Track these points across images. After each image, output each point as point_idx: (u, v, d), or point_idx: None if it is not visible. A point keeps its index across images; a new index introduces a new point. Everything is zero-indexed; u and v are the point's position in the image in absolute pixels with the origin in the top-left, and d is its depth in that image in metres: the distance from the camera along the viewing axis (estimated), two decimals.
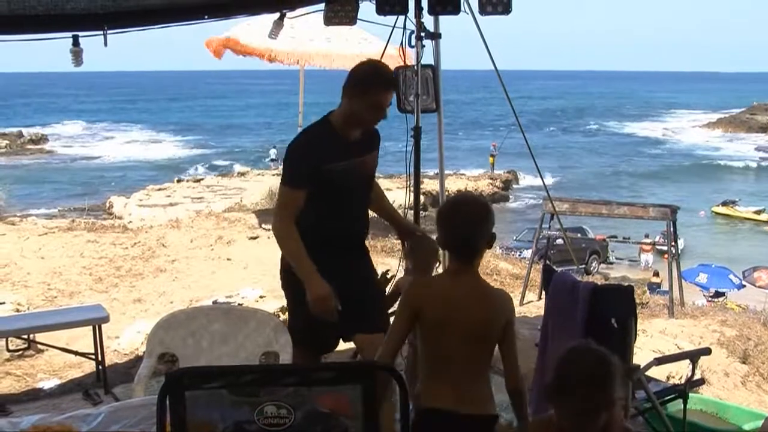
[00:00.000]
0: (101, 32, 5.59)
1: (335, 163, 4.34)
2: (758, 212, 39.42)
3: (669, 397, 5.19)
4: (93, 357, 6.86)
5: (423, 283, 3.69)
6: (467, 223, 3.34)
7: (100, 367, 6.80)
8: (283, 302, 8.42)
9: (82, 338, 7.44)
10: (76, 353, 7.19)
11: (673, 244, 11.87)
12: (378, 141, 4.74)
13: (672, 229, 11.46)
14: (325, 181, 4.33)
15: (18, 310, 8.41)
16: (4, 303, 8.53)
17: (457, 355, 3.26)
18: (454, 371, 3.28)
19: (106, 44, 5.63)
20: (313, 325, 4.40)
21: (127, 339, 7.89)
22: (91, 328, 6.83)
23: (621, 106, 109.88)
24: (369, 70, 4.43)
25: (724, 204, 40.59)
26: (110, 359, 7.28)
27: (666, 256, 25.94)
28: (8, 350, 7.45)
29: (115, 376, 6.87)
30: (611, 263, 29.31)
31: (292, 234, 4.35)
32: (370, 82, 4.34)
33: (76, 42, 5.74)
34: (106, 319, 6.86)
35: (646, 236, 25.64)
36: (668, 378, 7.10)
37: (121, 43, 6.33)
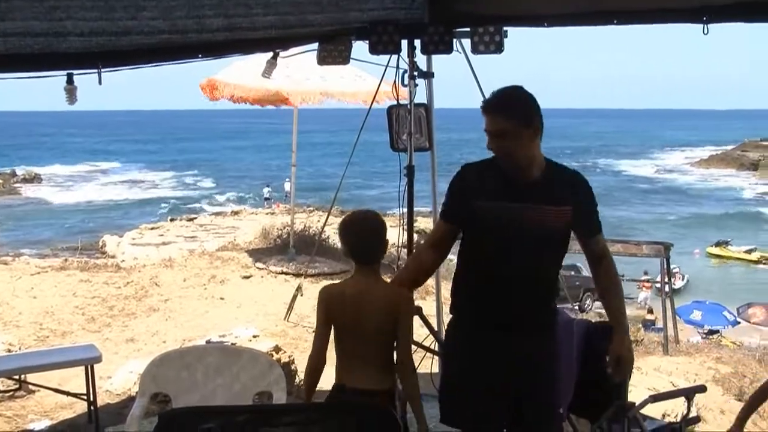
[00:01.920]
0: (95, 70, 5.61)
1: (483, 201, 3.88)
2: (749, 251, 40.16)
3: None
4: (85, 397, 6.80)
5: (332, 289, 4.00)
6: (368, 233, 3.90)
7: (92, 407, 6.74)
8: (275, 341, 8.41)
9: (74, 378, 7.38)
10: (67, 394, 7.13)
11: (666, 281, 11.87)
12: (569, 194, 3.87)
13: (666, 266, 11.47)
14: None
15: (9, 350, 8.35)
16: None
17: (364, 350, 3.79)
18: (361, 364, 3.80)
19: (100, 82, 5.65)
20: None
21: (119, 379, 7.83)
22: (83, 368, 6.78)
23: (616, 144, 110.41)
24: None
25: (718, 244, 41.05)
26: (102, 400, 7.22)
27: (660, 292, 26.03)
28: None
29: (107, 417, 6.80)
30: None
31: None
32: None
33: (70, 80, 5.76)
34: (98, 359, 6.81)
35: (645, 273, 25.64)
36: (664, 416, 7.05)
37: (116, 81, 6.36)
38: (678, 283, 29.05)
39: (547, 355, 3.92)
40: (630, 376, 4.40)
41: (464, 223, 3.96)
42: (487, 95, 3.94)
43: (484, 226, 3.86)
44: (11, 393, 7.46)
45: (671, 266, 14.63)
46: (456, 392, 4.03)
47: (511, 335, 3.84)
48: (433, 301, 7.39)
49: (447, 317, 7.25)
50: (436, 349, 6.44)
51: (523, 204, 3.77)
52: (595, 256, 4.00)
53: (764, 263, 38.66)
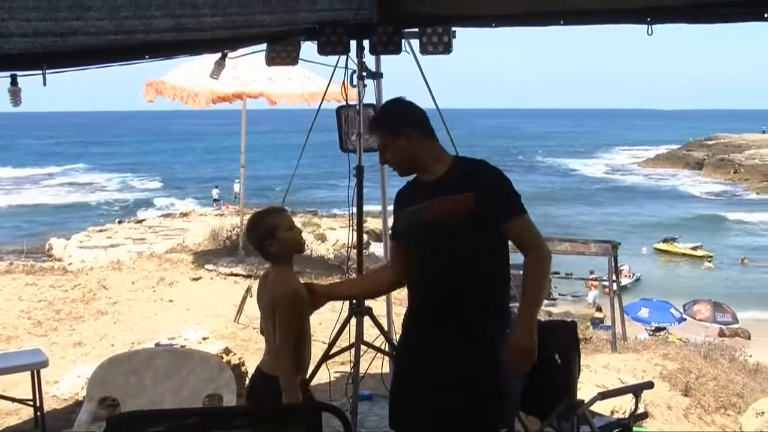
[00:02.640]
0: (40, 71, 5.54)
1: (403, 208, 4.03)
2: (695, 248, 40.86)
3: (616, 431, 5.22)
4: (31, 403, 6.72)
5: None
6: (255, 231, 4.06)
7: (39, 413, 6.67)
8: (225, 343, 8.37)
9: (20, 384, 7.29)
10: (13, 400, 7.04)
11: (614, 279, 12.01)
12: (470, 181, 3.81)
13: (613, 264, 11.60)
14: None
15: None
16: None
17: (266, 335, 4.00)
18: (267, 348, 4.02)
19: (45, 84, 5.57)
20: None
21: (67, 384, 7.74)
22: (29, 373, 6.69)
23: (565, 144, 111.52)
24: None
25: (665, 241, 41.64)
26: (49, 405, 7.13)
27: (607, 290, 26.31)
28: None
29: (54, 423, 6.73)
30: (554, 299, 29.49)
31: None
32: None
33: (14, 81, 5.68)
34: (45, 364, 6.73)
35: (591, 272, 25.89)
36: (612, 412, 7.14)
37: (61, 82, 6.28)
38: (625, 281, 29.39)
39: (478, 364, 3.80)
40: (577, 375, 4.43)
41: (400, 237, 4.06)
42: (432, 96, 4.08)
43: (401, 234, 4.02)
44: None
45: (620, 264, 14.82)
46: (395, 397, 4.05)
47: (439, 342, 3.81)
48: (384, 302, 7.40)
49: (397, 318, 7.29)
50: (386, 349, 6.47)
51: (424, 202, 3.84)
52: (517, 243, 3.87)
53: (709, 260, 39.27)
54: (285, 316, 3.84)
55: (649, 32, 5.49)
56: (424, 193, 3.85)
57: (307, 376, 4.15)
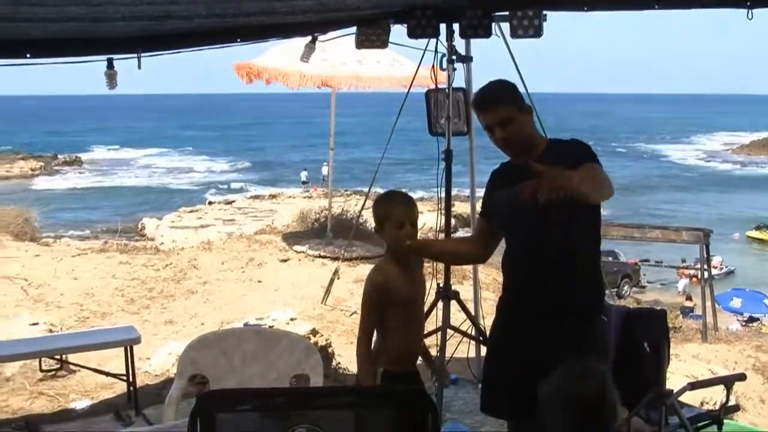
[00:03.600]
0: (135, 55, 5.65)
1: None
2: None
3: (703, 423, 5.12)
4: (124, 378, 6.88)
5: None
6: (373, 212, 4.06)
7: (132, 388, 6.82)
8: (313, 324, 8.45)
9: (114, 359, 7.47)
10: (107, 374, 7.22)
11: (706, 267, 11.77)
12: (569, 160, 3.66)
13: (705, 252, 11.36)
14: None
15: (51, 331, 8.46)
16: (37, 324, 8.58)
17: None
18: None
19: (140, 67, 5.69)
20: None
21: (158, 360, 7.90)
22: (122, 349, 6.85)
23: (657, 129, 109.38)
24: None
25: (758, 228, 40.25)
26: (141, 380, 7.30)
27: (695, 279, 25.78)
28: (41, 370, 7.50)
29: (146, 398, 6.87)
30: (643, 287, 29.07)
31: None
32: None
33: (110, 65, 5.80)
34: (137, 341, 6.88)
35: (683, 261, 25.41)
36: (702, 404, 7.01)
37: (155, 66, 6.39)
38: (716, 272, 28.71)
39: (578, 346, 3.73)
40: (667, 365, 4.35)
41: (492, 216, 4.03)
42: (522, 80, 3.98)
43: (499, 216, 3.96)
44: (53, 373, 7.56)
45: (712, 255, 14.49)
46: (489, 381, 4.05)
47: (538, 324, 3.79)
48: (470, 286, 7.38)
49: (484, 302, 7.26)
50: (473, 333, 6.46)
51: (523, 184, 3.72)
52: None
53: None
54: (362, 307, 3.93)
55: (749, 17, 5.34)
56: (523, 174, 3.72)
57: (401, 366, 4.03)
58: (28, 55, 5.47)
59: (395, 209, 3.94)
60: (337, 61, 10.74)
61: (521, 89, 4.03)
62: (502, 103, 3.83)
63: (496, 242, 4.14)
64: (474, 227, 4.22)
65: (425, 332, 4.66)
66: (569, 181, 3.43)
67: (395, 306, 3.90)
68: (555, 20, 6.25)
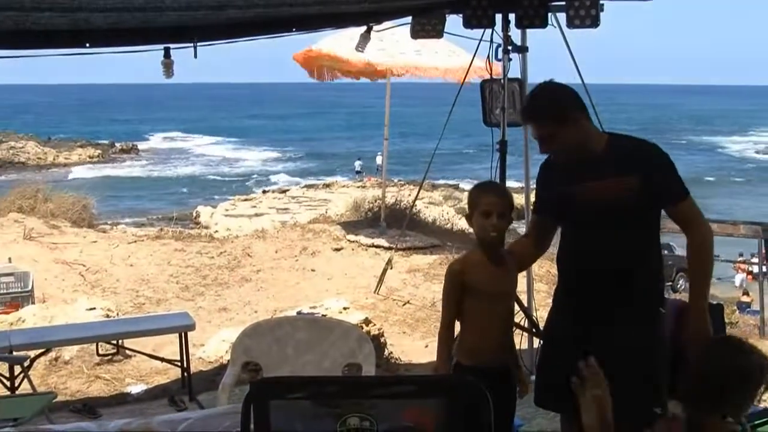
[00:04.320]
0: (191, 44, 5.69)
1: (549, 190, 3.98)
2: None
3: (761, 421, 5.04)
4: (179, 364, 6.97)
5: None
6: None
7: (186, 374, 6.90)
8: (366, 314, 8.47)
9: (168, 345, 7.56)
10: (162, 360, 7.32)
11: (765, 262, 11.59)
12: (634, 163, 3.71)
13: (764, 247, 11.19)
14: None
15: (108, 316, 8.57)
16: (94, 309, 8.71)
17: None
18: None
19: (195, 56, 5.73)
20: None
21: (212, 347, 7.98)
22: (177, 335, 6.94)
23: (713, 120, 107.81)
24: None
25: None
26: (195, 366, 7.37)
27: (750, 276, 25.35)
28: (98, 354, 7.62)
29: (199, 384, 6.96)
30: None
31: None
32: None
33: (167, 54, 5.86)
34: (192, 327, 6.96)
35: (740, 255, 25.01)
36: (759, 401, 6.91)
37: (211, 55, 6.43)
38: None
39: (641, 349, 3.76)
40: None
41: (548, 214, 4.00)
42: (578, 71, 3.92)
43: (555, 213, 3.92)
44: (110, 357, 7.68)
45: None
46: (544, 375, 4.02)
47: (591, 323, 3.77)
48: (524, 278, 7.32)
49: (537, 293, 7.22)
50: (526, 325, 6.42)
51: (585, 183, 3.71)
52: (681, 223, 3.82)
53: None
54: (442, 295, 3.90)
55: None
56: (583, 172, 3.72)
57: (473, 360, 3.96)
58: (87, 45, 5.55)
59: (484, 198, 3.81)
60: (396, 51, 10.75)
61: (577, 80, 4.01)
62: (537, 119, 3.77)
63: (550, 239, 4.12)
64: (528, 220, 4.17)
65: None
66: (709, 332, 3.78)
67: (474, 298, 3.80)
68: (612, 9, 6.17)
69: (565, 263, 3.95)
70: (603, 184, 3.68)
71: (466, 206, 3.94)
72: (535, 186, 4.12)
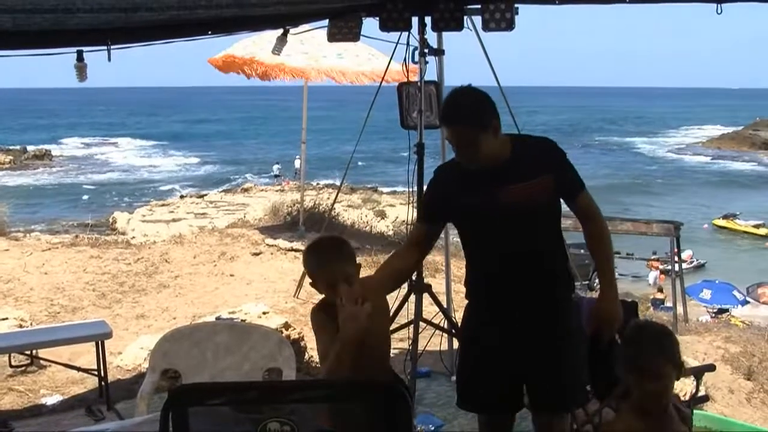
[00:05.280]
0: (105, 47, 5.61)
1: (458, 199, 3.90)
2: (757, 226, 39.15)
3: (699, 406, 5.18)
4: (96, 373, 6.85)
5: None
6: None
7: (103, 383, 6.79)
8: (285, 318, 8.44)
9: (85, 354, 7.43)
10: (78, 369, 7.19)
11: (676, 260, 11.85)
12: (544, 163, 3.85)
13: (676, 245, 11.43)
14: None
15: (21, 326, 8.40)
16: (7, 318, 8.52)
17: None
18: None
19: (110, 59, 5.65)
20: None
21: (130, 355, 7.88)
22: (94, 344, 6.82)
23: (627, 122, 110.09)
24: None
25: (725, 217, 40.44)
26: (113, 375, 7.27)
27: (662, 275, 25.97)
28: (11, 366, 7.45)
29: (117, 392, 6.85)
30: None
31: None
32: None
33: (80, 57, 5.76)
34: (109, 335, 6.86)
35: (654, 253, 25.58)
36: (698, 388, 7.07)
37: (126, 58, 6.34)
38: (686, 266, 28.87)
39: (560, 335, 3.91)
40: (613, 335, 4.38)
41: (445, 222, 4.08)
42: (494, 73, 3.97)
43: (468, 221, 3.93)
44: (23, 368, 7.51)
45: (683, 249, 14.57)
46: (471, 378, 4.05)
47: (521, 320, 3.85)
48: (443, 279, 7.39)
49: (456, 294, 7.28)
50: (445, 326, 6.48)
51: (500, 188, 3.76)
52: (582, 214, 3.97)
53: None
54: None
55: (719, 11, 5.38)
56: (496, 176, 3.77)
57: None
58: None
59: (323, 272, 3.51)
60: (318, 54, 10.76)
61: (492, 82, 4.05)
62: (464, 124, 3.74)
63: (432, 245, 4.20)
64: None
65: (395, 327, 4.63)
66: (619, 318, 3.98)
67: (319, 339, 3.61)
68: (526, 12, 6.25)
69: (476, 261, 4.00)
70: (524, 186, 3.75)
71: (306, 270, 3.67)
72: (426, 192, 4.14)
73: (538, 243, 3.85)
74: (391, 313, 4.67)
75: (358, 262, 3.59)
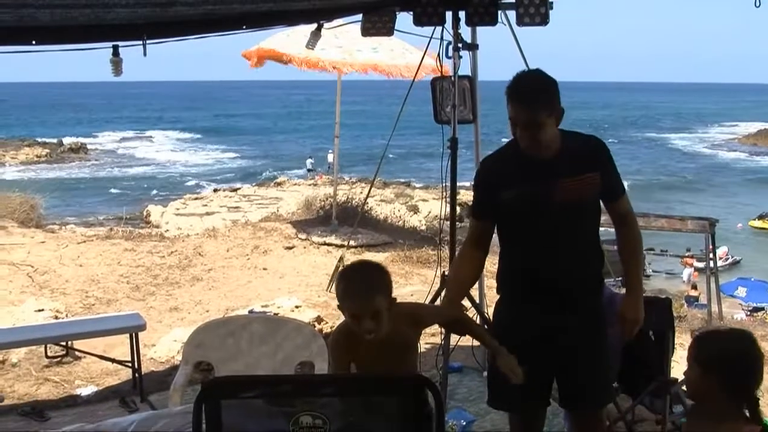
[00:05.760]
0: (141, 42, 5.63)
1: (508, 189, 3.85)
2: None
3: None
4: (130, 365, 6.91)
5: None
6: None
7: (137, 375, 6.84)
8: (318, 312, 8.46)
9: (119, 346, 7.49)
10: (113, 361, 7.25)
11: (711, 257, 11.75)
12: (592, 161, 3.85)
13: (711, 242, 11.34)
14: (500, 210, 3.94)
15: (57, 317, 8.48)
16: (43, 310, 8.61)
17: None
18: None
19: (145, 54, 5.67)
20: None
21: (163, 347, 7.93)
22: (128, 335, 6.87)
23: (663, 118, 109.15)
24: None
25: (761, 217, 39.96)
26: (147, 367, 7.31)
27: (697, 272, 25.72)
28: (47, 356, 7.52)
29: (151, 384, 6.90)
30: (648, 276, 29.00)
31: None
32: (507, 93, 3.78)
33: (116, 52, 5.79)
34: (142, 327, 6.90)
35: (688, 250, 25.36)
36: None
37: (161, 53, 6.39)
38: (721, 263, 28.58)
39: (594, 325, 3.92)
40: (671, 353, 4.37)
41: (496, 215, 3.95)
42: (528, 68, 3.93)
43: (515, 212, 3.86)
44: (59, 359, 7.59)
45: (717, 246, 14.44)
46: (501, 381, 3.93)
47: (557, 314, 3.84)
48: None
49: (488, 290, 7.25)
50: (478, 321, 6.46)
51: (549, 182, 3.74)
52: (619, 217, 3.97)
53: None
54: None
55: (757, 4, 5.32)
56: (544, 171, 3.76)
57: None
58: (33, 42, 5.47)
59: (347, 304, 3.42)
60: (353, 48, 10.78)
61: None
62: (533, 103, 3.69)
63: (490, 241, 4.11)
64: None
65: None
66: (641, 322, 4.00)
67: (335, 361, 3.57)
68: (561, 7, 6.20)
69: (521, 261, 3.95)
70: (573, 181, 3.75)
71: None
72: (474, 185, 4.03)
73: (579, 238, 3.85)
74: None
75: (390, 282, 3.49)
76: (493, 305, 4.21)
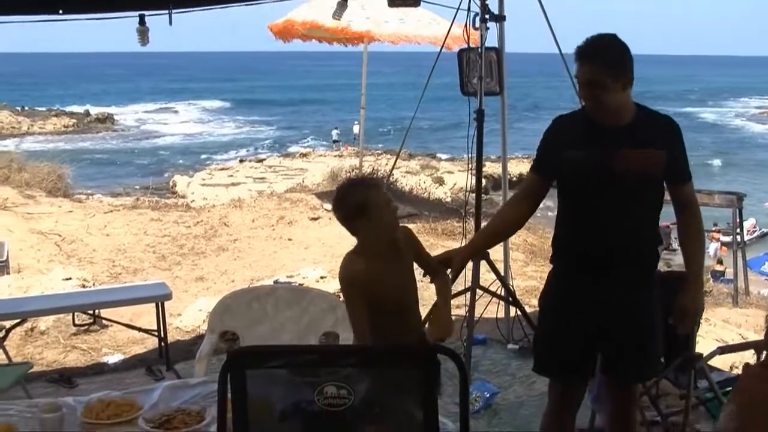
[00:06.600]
0: (167, 11, 5.64)
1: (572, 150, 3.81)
2: None
3: (732, 388, 5.10)
4: (156, 333, 6.96)
5: None
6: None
7: (163, 343, 6.90)
8: None
9: (145, 315, 7.55)
10: (139, 329, 7.31)
11: (738, 231, 11.67)
12: (661, 139, 3.78)
13: (738, 217, 11.25)
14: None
15: (84, 286, 8.55)
16: (70, 279, 8.69)
17: None
18: None
19: (171, 23, 5.68)
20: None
21: (189, 316, 7.98)
22: (154, 305, 6.92)
23: (692, 91, 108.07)
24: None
25: None
26: (172, 336, 7.38)
27: (723, 247, 25.53)
28: (74, 324, 7.61)
29: (177, 353, 6.95)
30: (674, 250, 28.77)
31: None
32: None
33: (142, 21, 5.80)
34: (168, 297, 6.95)
35: (715, 224, 25.16)
36: (731, 368, 6.97)
37: (186, 23, 6.38)
38: (748, 236, 28.32)
39: (647, 301, 3.88)
40: (696, 328, 4.35)
41: (556, 174, 3.89)
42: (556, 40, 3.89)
43: (575, 175, 3.81)
44: (86, 327, 7.67)
45: (745, 218, 14.33)
46: (552, 341, 3.99)
47: (611, 282, 3.80)
48: (500, 247, 7.33)
49: (513, 263, 7.24)
50: (502, 294, 6.46)
51: (613, 150, 3.68)
52: (682, 203, 3.92)
53: None
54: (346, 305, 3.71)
55: None
56: (611, 139, 3.71)
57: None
58: (60, 12, 5.48)
59: (375, 193, 3.74)
60: (380, 19, 10.76)
61: (554, 49, 3.96)
62: (598, 62, 3.65)
63: (542, 199, 4.06)
64: (506, 190, 4.05)
65: (454, 293, 4.57)
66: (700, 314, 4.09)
67: (380, 313, 3.56)
68: None
69: (573, 228, 3.93)
70: (636, 153, 3.68)
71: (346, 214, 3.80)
72: (541, 141, 3.97)
73: (636, 212, 3.79)
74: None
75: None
76: (516, 278, 4.18)
